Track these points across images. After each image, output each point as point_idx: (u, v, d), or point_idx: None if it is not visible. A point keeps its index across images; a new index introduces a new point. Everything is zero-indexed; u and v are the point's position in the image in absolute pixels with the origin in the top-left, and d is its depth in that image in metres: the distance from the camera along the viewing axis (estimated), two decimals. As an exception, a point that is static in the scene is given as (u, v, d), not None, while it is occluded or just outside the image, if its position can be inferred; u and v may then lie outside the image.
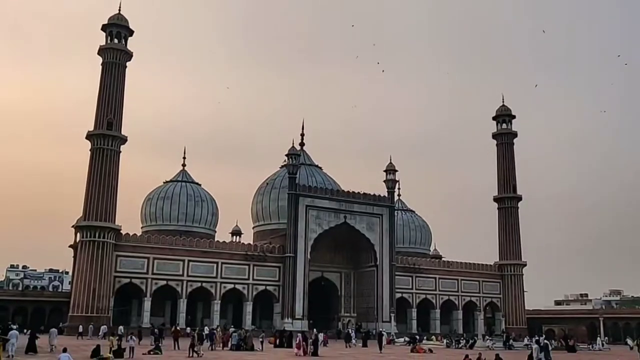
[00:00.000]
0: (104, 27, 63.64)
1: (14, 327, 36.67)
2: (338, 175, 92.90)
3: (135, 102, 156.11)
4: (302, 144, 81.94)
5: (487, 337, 58.08)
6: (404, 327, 71.40)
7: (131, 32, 64.48)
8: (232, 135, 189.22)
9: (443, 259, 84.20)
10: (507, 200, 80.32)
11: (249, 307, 64.96)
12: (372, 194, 72.53)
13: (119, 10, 64.38)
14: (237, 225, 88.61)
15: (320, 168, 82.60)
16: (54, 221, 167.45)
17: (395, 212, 77.02)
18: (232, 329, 46.47)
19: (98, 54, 63.29)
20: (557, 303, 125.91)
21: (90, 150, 60.53)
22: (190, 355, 31.31)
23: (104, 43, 63.24)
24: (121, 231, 60.22)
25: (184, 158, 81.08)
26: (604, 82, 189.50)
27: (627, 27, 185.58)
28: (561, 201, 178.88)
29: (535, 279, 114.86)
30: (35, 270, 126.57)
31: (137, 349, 33.71)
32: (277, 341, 44.39)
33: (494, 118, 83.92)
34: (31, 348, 30.65)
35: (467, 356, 26.20)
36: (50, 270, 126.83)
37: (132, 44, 64.64)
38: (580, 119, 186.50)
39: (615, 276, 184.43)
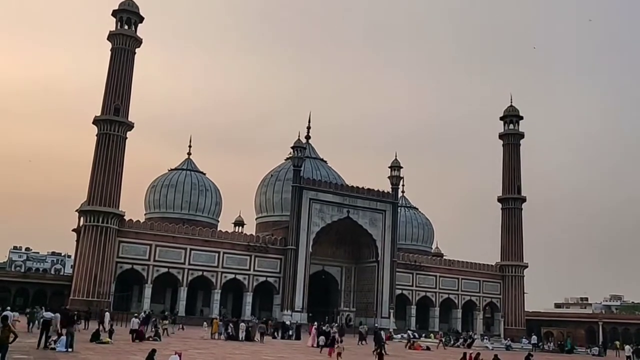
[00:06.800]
0: (115, 13, 63.63)
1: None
2: (343, 169, 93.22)
3: (143, 89, 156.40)
4: (308, 137, 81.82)
5: (485, 337, 58.14)
6: (403, 323, 71.49)
7: (141, 19, 64.49)
8: (238, 125, 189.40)
9: (444, 257, 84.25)
10: (511, 201, 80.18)
11: (248, 298, 65.14)
12: (376, 189, 72.47)
13: (130, -4, 64.37)
14: (240, 216, 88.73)
15: (325, 162, 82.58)
16: (58, 204, 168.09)
17: (399, 208, 77.01)
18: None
19: (107, 39, 63.34)
20: (557, 306, 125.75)
21: (96, 135, 60.74)
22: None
23: (114, 29, 63.30)
24: (124, 217, 60.44)
25: (190, 147, 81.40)
26: (616, 85, 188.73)
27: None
28: (566, 204, 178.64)
29: (536, 281, 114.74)
30: (38, 252, 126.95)
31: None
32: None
33: (501, 118, 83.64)
34: None
35: (465, 354, 26.21)
36: (53, 253, 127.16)
37: (141, 30, 64.77)
38: (589, 122, 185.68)
39: (616, 281, 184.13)
